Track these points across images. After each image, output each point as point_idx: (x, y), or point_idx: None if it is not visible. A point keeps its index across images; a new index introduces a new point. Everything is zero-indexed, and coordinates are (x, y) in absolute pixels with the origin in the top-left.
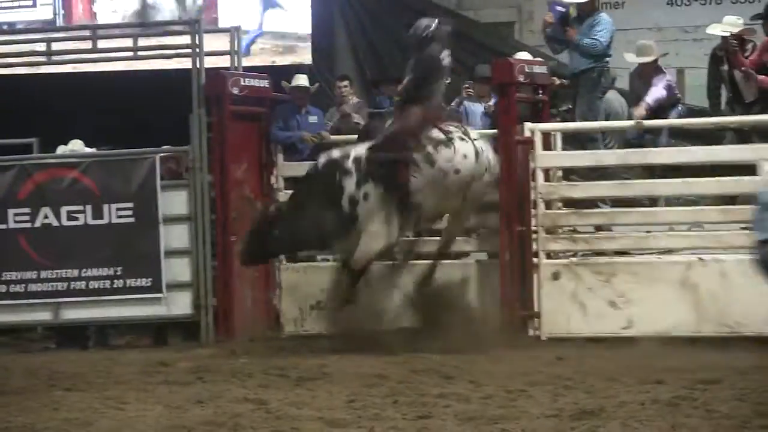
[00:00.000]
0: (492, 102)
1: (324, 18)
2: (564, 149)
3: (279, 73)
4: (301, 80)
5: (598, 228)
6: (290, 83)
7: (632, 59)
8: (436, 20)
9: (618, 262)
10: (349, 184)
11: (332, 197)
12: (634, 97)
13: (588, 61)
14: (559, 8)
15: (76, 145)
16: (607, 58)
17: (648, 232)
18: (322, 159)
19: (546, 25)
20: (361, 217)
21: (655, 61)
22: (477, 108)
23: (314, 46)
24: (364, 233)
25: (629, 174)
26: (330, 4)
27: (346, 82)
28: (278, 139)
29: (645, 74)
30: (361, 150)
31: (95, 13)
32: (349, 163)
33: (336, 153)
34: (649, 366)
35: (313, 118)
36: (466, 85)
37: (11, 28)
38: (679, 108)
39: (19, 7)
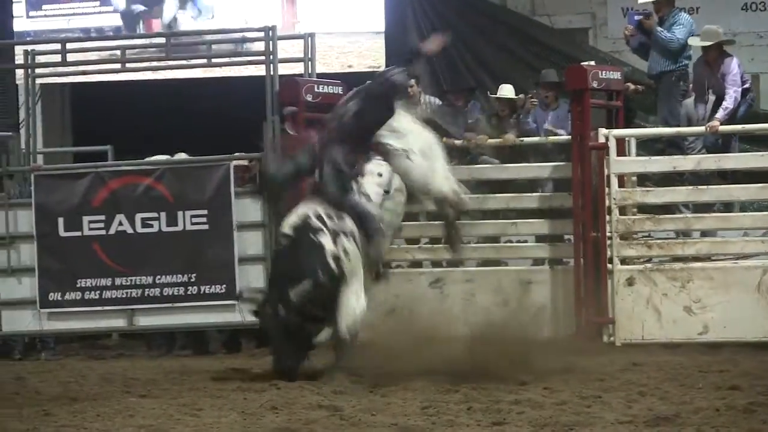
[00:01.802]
0: (558, 109)
1: (397, 24)
2: (639, 155)
3: (353, 80)
4: None
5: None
6: None
7: (697, 43)
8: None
9: (693, 268)
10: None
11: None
12: (699, 86)
13: (667, 63)
14: (637, 17)
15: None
16: (686, 61)
17: (723, 237)
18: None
19: (627, 36)
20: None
21: (720, 45)
22: (545, 116)
23: (388, 52)
24: (347, 292)
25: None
26: (403, 9)
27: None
28: None
29: (711, 60)
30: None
31: (176, 19)
32: (315, 221)
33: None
34: (725, 372)
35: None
36: (530, 95)
37: (86, 36)
38: (749, 98)
39: (100, 12)
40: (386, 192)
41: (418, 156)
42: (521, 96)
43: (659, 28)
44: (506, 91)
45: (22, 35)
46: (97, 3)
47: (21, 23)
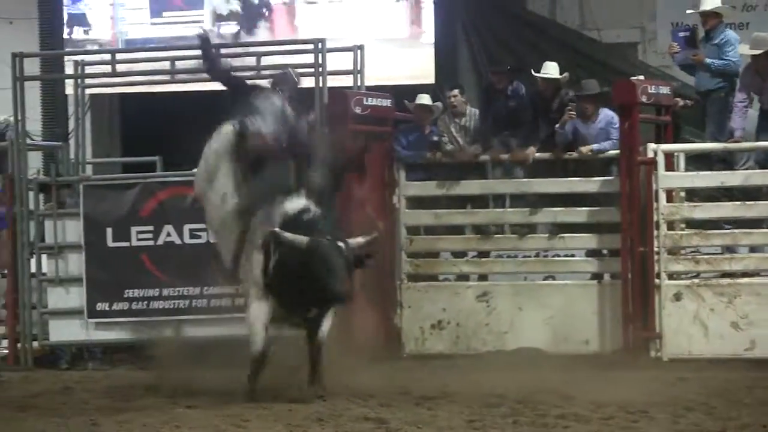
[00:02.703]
0: (597, 122)
1: (447, 37)
2: (688, 170)
3: (402, 93)
4: (424, 99)
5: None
6: (413, 103)
7: (746, 51)
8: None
9: (741, 283)
10: None
11: None
12: (747, 93)
13: (715, 81)
14: (681, 34)
15: None
16: (736, 77)
17: None
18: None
19: (672, 53)
20: None
21: None
22: (585, 128)
23: (437, 65)
24: None
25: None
26: (453, 23)
27: (456, 91)
28: (401, 158)
29: (762, 68)
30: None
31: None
32: None
33: None
34: None
35: (435, 137)
36: (569, 107)
37: (133, 47)
38: None
39: (183, 22)
40: None
41: None
42: (565, 74)
43: (710, 60)
44: (550, 69)
45: (145, 42)
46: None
47: (143, 30)
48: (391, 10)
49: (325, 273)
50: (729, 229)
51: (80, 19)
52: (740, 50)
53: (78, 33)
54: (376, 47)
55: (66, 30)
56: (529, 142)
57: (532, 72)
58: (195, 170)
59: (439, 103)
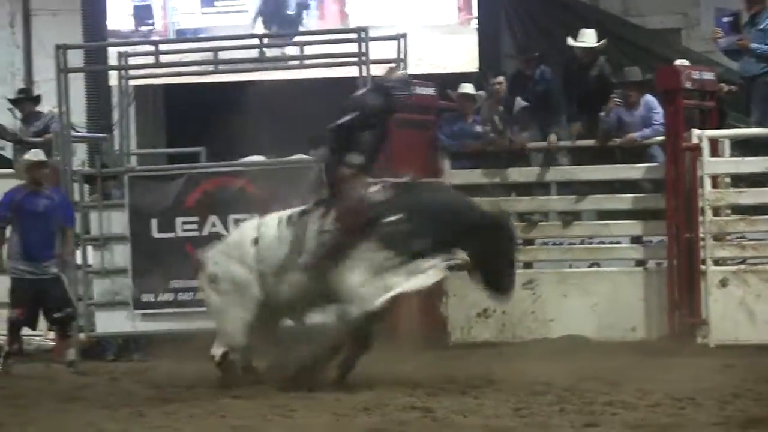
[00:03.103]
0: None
1: (490, 26)
2: (732, 156)
3: (445, 81)
4: (467, 88)
5: None
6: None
7: None
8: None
9: None
10: None
11: None
12: None
13: (761, 66)
14: (725, 19)
15: None
16: None
17: None
18: None
19: (716, 39)
20: None
21: None
22: (628, 115)
23: (481, 54)
24: None
25: None
26: (496, 12)
27: (500, 78)
28: (446, 147)
29: None
30: None
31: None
32: None
33: None
34: None
35: (478, 127)
36: (614, 95)
37: (179, 38)
38: None
39: (235, 11)
40: None
41: None
42: (603, 41)
43: (755, 45)
44: (587, 37)
45: (196, 32)
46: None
47: (193, 19)
48: None
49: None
50: None
51: (146, 11)
52: None
53: (144, 25)
54: (424, 34)
55: (134, 23)
56: (568, 122)
57: (569, 40)
58: (242, 160)
59: (482, 92)
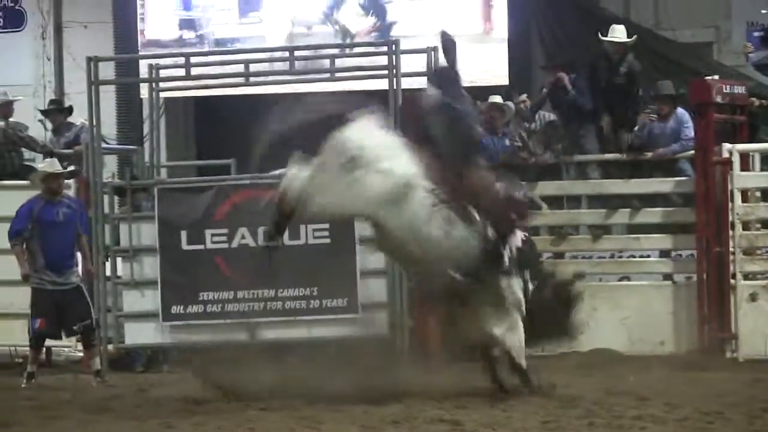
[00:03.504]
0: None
1: (520, 37)
2: (763, 170)
3: (476, 93)
4: (496, 98)
5: None
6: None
7: None
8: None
9: None
10: None
11: None
12: None
13: None
14: (756, 34)
15: None
16: None
17: None
18: None
19: (747, 53)
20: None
21: None
22: (658, 127)
23: (511, 66)
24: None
25: None
26: (527, 23)
27: (524, 96)
28: None
29: None
30: None
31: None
32: None
33: None
34: None
35: (507, 140)
36: (648, 110)
37: (210, 51)
38: None
39: (250, 23)
40: None
41: None
42: (634, 37)
43: None
44: (618, 32)
45: (232, 42)
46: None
47: (231, 29)
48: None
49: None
50: None
51: (192, 24)
52: None
53: (189, 35)
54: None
55: (178, 33)
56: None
57: (599, 35)
58: (276, 172)
59: (510, 103)
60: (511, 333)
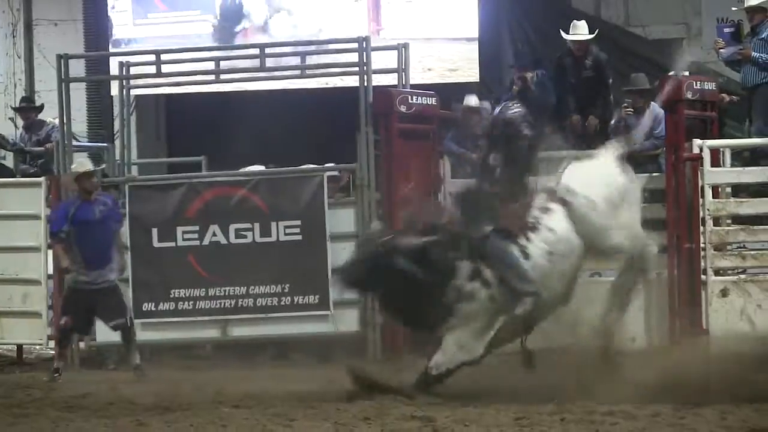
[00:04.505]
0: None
1: (491, 36)
2: (733, 166)
3: (447, 91)
4: (472, 101)
5: None
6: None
7: None
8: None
9: None
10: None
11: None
12: None
13: (762, 76)
14: (727, 30)
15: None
16: None
17: None
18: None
19: (717, 49)
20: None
21: None
22: (633, 121)
23: (481, 64)
24: (450, 336)
25: None
26: (497, 22)
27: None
28: (450, 151)
29: None
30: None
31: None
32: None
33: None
34: None
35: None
36: (625, 104)
37: (181, 47)
38: None
39: (202, 20)
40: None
41: (602, 206)
42: (597, 31)
43: (757, 54)
44: (580, 29)
45: (128, 42)
46: (198, 12)
47: (126, 30)
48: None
49: None
50: None
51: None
52: None
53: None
54: (425, 43)
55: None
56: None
57: (562, 33)
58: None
59: (486, 103)
60: None
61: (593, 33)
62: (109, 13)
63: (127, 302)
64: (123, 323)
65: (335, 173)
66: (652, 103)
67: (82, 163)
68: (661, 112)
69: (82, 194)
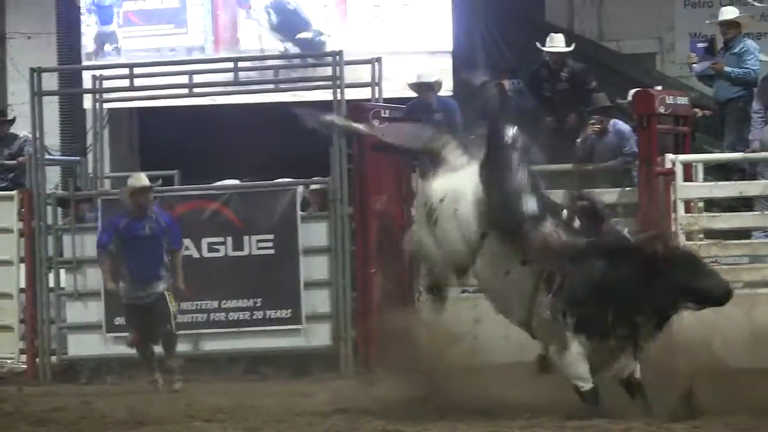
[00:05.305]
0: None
1: (465, 51)
2: (706, 180)
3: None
4: (424, 76)
5: None
6: None
7: (766, 58)
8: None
9: (760, 294)
10: None
11: None
12: (765, 105)
13: (735, 90)
14: (700, 45)
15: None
16: (755, 87)
17: None
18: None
19: (690, 63)
20: None
21: None
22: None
23: (455, 78)
24: None
25: None
26: (471, 35)
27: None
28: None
29: None
30: None
31: (239, 39)
32: None
33: None
34: None
35: None
36: (593, 121)
37: (154, 62)
38: None
39: (173, 34)
40: None
41: None
42: (573, 45)
43: (729, 68)
44: (557, 41)
45: (98, 54)
46: (172, 26)
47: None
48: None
49: None
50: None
51: (110, 37)
52: (763, 58)
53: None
54: (398, 57)
55: (94, 47)
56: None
57: (538, 45)
58: (216, 183)
59: (440, 79)
60: None
61: (570, 45)
62: (83, 27)
63: (172, 310)
64: (167, 331)
65: (318, 186)
66: (612, 120)
67: (138, 177)
68: (627, 128)
69: (135, 210)
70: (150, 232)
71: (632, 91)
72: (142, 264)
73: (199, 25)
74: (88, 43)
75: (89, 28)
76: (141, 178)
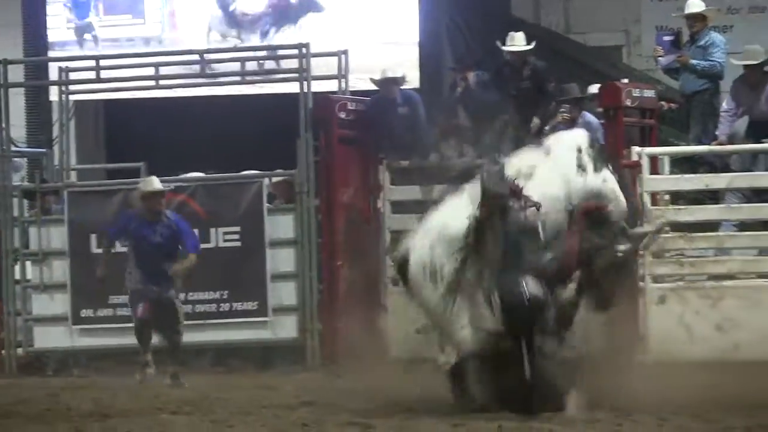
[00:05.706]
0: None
1: (431, 42)
2: (672, 173)
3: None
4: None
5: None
6: None
7: (740, 62)
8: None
9: (725, 286)
10: None
11: None
12: (737, 104)
13: (700, 83)
14: (666, 38)
15: None
16: (720, 80)
17: (757, 255)
18: None
19: (656, 56)
20: None
21: (762, 65)
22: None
23: (422, 70)
24: None
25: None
26: (438, 22)
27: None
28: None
29: (751, 80)
30: None
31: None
32: None
33: None
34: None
35: None
36: (563, 110)
37: (120, 54)
38: None
39: (131, 24)
40: None
41: None
42: (533, 44)
43: (695, 61)
44: (517, 41)
45: (62, 45)
46: (130, 16)
47: (60, 33)
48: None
49: None
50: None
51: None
52: (733, 62)
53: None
54: (365, 49)
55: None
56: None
57: (498, 44)
58: (182, 176)
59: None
60: None
61: (531, 44)
62: (47, 18)
63: (180, 313)
64: (172, 334)
65: (285, 178)
66: (583, 112)
67: (149, 181)
68: (595, 120)
69: (147, 213)
70: (160, 239)
71: (594, 86)
72: (150, 266)
73: (156, 16)
74: (53, 35)
75: (55, 18)
76: (152, 182)
